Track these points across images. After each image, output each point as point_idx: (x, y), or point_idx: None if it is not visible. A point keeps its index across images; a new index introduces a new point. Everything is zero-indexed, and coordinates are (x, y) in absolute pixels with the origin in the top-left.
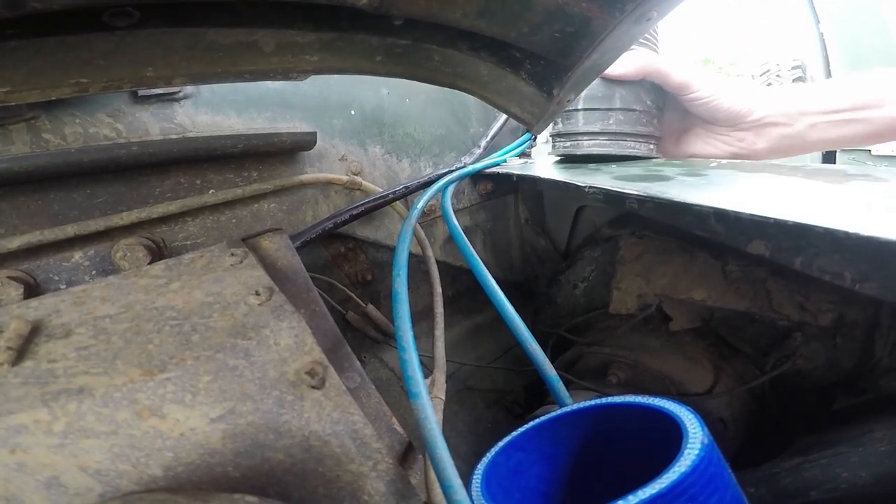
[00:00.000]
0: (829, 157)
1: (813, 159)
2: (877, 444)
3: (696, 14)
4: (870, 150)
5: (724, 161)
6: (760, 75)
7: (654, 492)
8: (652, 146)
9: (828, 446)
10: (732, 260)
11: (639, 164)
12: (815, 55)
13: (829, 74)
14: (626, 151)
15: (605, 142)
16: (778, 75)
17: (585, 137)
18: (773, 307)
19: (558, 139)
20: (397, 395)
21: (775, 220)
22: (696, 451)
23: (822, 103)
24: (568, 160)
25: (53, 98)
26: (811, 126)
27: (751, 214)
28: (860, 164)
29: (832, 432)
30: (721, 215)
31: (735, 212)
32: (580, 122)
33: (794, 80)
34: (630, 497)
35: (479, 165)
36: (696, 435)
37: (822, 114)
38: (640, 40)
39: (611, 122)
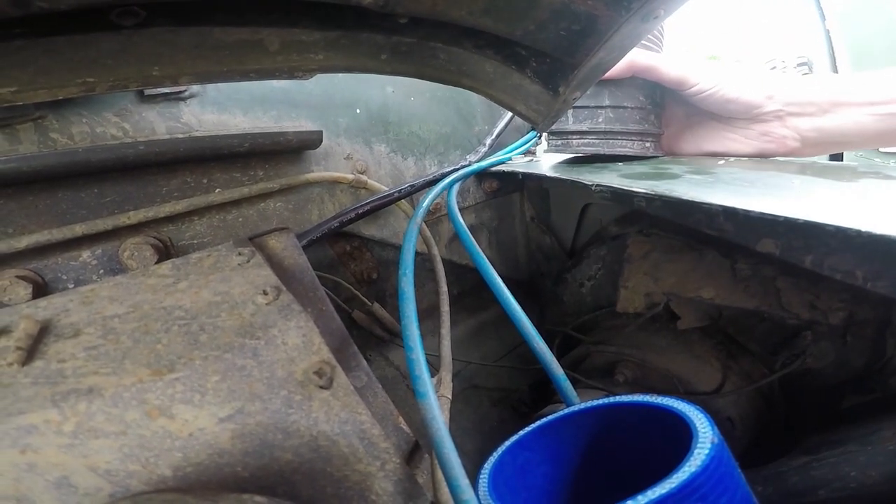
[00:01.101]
0: (836, 154)
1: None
2: (886, 443)
3: (702, 11)
4: (877, 147)
5: (731, 158)
6: None
7: (664, 491)
8: (648, 144)
9: (836, 445)
10: (742, 258)
11: (646, 161)
12: (821, 52)
13: (835, 72)
14: (617, 151)
15: (594, 140)
16: (784, 72)
17: (575, 136)
18: (783, 306)
19: (551, 137)
20: (402, 393)
21: (785, 218)
22: (707, 451)
23: (860, 95)
24: (573, 159)
25: (61, 97)
26: (850, 119)
27: (760, 213)
28: (868, 161)
29: (841, 431)
30: (730, 213)
31: (744, 210)
32: (570, 121)
33: None
34: (640, 497)
35: (484, 163)
36: (706, 434)
37: (861, 106)
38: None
39: (600, 120)
